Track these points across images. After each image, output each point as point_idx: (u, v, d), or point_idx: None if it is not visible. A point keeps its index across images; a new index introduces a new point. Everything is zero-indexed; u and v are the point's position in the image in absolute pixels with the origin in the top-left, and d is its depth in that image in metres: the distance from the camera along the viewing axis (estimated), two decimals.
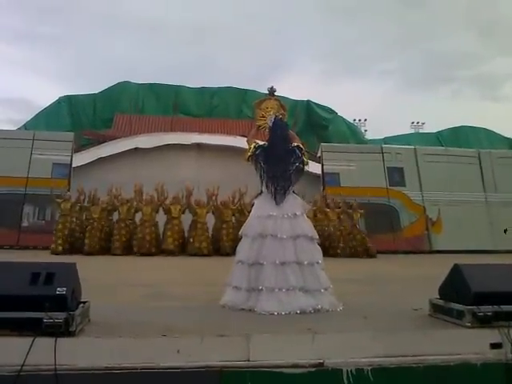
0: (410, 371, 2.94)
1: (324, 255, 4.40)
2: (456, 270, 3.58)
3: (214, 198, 12.81)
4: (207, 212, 12.70)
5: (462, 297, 3.40)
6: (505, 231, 15.17)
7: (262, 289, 4.02)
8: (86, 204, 12.71)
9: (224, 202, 12.83)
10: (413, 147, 17.04)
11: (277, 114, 4.66)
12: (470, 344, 3.11)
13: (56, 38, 53.82)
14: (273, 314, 3.84)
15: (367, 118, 27.59)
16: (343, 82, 59.45)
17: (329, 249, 12.13)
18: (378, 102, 51.40)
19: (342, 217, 13.34)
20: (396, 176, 16.07)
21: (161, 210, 12.64)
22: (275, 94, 4.87)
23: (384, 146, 17.70)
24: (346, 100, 44.48)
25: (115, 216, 12.80)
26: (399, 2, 58.90)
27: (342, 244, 12.74)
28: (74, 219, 12.53)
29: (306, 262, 4.15)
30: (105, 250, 12.00)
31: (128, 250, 12.03)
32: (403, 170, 16.12)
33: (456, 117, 48.21)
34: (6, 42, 58.23)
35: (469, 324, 3.24)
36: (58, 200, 12.42)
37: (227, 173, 15.74)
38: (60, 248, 11.83)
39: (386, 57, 61.30)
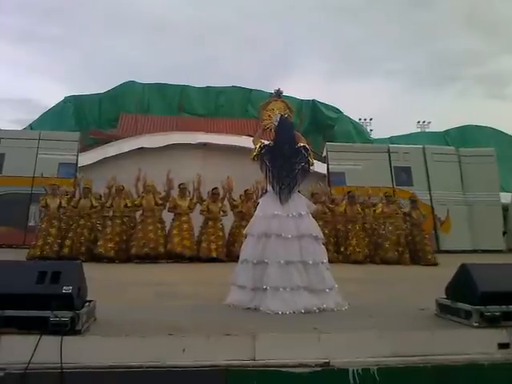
0: (417, 371, 2.92)
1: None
2: (463, 270, 3.55)
3: (230, 192, 10.77)
4: (221, 209, 10.76)
5: (469, 297, 3.38)
6: (503, 233, 15.14)
7: (266, 288, 4.02)
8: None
9: (248, 193, 10.83)
10: (421, 146, 16.90)
11: (282, 114, 4.65)
12: (478, 344, 3.09)
13: (61, 38, 54.24)
14: (277, 313, 3.84)
15: (373, 117, 27.64)
16: (349, 81, 59.42)
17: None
18: (384, 102, 51.41)
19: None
20: (403, 175, 15.99)
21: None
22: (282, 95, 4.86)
23: (391, 145, 17.57)
24: (351, 99, 44.59)
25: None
26: (405, 2, 58.70)
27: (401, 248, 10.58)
28: (65, 218, 10.63)
29: (310, 262, 4.14)
30: (92, 254, 9.82)
31: (121, 254, 9.86)
32: (411, 170, 16.03)
33: (463, 116, 48.24)
34: (12, 42, 58.65)
35: (476, 324, 3.22)
36: (42, 201, 10.67)
37: (233, 172, 15.60)
38: (42, 251, 9.87)
39: (391, 56, 61.33)
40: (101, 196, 10.61)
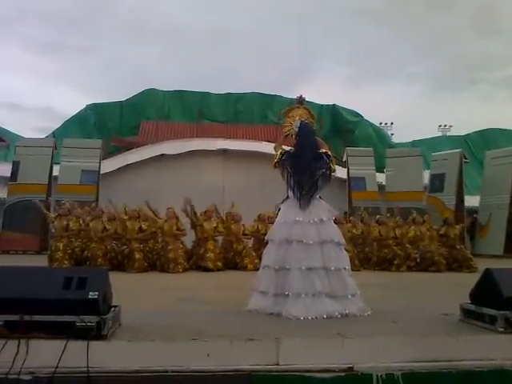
0: (442, 377, 2.89)
1: None
2: (487, 275, 3.52)
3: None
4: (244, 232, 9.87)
5: (494, 301, 3.34)
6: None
7: (288, 294, 4.02)
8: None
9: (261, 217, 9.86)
10: (458, 150, 16.41)
11: (303, 119, 4.66)
12: (504, 349, 3.05)
13: (83, 47, 54.97)
14: (299, 318, 3.83)
15: (393, 121, 27.36)
16: (369, 85, 58.75)
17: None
18: (405, 106, 50.68)
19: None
20: (436, 182, 15.75)
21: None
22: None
23: (434, 154, 17.15)
24: (372, 103, 44.04)
25: None
26: (425, 5, 58.23)
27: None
28: (73, 240, 9.43)
29: (332, 268, 4.12)
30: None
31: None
32: (444, 176, 15.68)
33: (485, 119, 47.46)
34: (35, 52, 59.86)
35: (502, 329, 3.18)
36: (51, 215, 9.99)
37: (252, 178, 15.82)
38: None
39: (412, 60, 60.49)
40: (115, 216, 9.58)
